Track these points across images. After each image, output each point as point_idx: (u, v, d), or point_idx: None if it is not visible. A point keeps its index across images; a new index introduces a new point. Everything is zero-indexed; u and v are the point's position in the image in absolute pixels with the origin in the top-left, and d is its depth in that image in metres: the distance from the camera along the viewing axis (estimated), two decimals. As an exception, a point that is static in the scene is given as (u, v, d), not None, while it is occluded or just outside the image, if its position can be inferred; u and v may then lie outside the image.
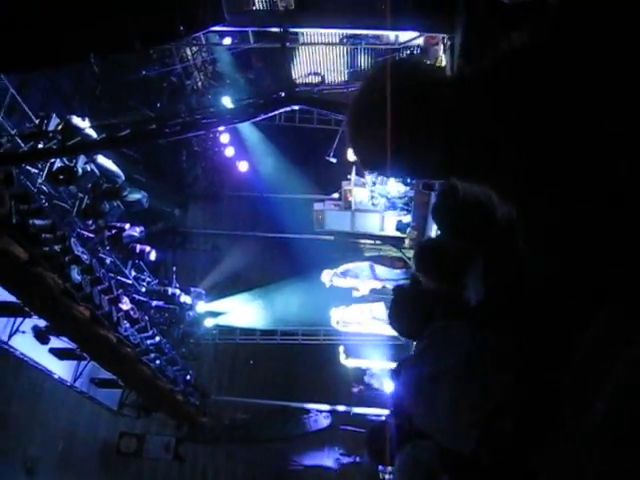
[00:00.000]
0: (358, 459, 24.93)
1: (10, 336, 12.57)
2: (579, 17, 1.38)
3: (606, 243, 1.35)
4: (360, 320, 15.32)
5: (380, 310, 14.74)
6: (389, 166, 1.54)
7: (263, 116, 9.57)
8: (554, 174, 1.37)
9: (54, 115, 10.75)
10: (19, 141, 10.20)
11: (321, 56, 13.79)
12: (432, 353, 1.48)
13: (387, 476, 11.81)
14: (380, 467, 11.95)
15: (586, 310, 1.38)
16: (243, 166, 20.73)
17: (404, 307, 2.34)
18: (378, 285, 15.12)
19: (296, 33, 12.99)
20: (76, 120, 10.70)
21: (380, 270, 14.51)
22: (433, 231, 10.84)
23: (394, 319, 2.41)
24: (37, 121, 10.75)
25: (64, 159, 10.95)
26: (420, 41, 12.40)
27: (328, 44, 13.07)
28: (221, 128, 18.09)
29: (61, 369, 14.61)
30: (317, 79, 13.95)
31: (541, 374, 1.39)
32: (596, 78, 1.32)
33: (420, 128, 1.44)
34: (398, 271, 15.37)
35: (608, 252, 1.35)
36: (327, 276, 15.29)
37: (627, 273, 1.33)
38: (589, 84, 1.33)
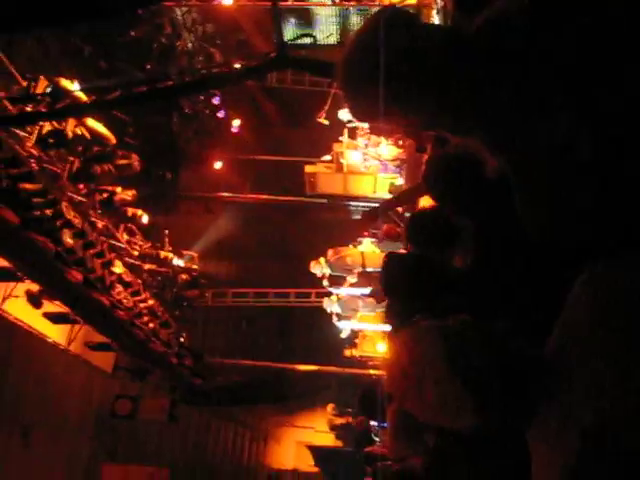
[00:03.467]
0: (350, 420, 25.22)
1: (3, 300, 12.60)
2: None
3: (609, 195, 1.31)
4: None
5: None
6: (381, 116, 1.52)
7: (254, 78, 9.46)
8: (550, 126, 1.34)
9: (42, 77, 10.60)
10: (6, 104, 10.06)
11: (313, 17, 13.59)
12: (416, 338, 1.48)
13: (377, 438, 11.93)
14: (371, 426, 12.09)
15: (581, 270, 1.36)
16: (235, 129, 20.59)
17: (396, 272, 2.34)
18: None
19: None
20: (65, 82, 10.56)
21: (369, 261, 14.18)
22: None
23: (386, 284, 2.41)
24: (25, 83, 10.60)
25: (53, 122, 10.84)
26: (413, 1, 12.22)
27: (320, 4, 12.88)
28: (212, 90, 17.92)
29: (55, 333, 14.67)
30: (309, 40, 13.75)
31: (525, 347, 1.39)
32: (593, 34, 1.30)
33: (413, 80, 1.42)
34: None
35: (612, 205, 1.31)
36: (317, 267, 14.88)
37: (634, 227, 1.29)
38: (587, 37, 1.30)
